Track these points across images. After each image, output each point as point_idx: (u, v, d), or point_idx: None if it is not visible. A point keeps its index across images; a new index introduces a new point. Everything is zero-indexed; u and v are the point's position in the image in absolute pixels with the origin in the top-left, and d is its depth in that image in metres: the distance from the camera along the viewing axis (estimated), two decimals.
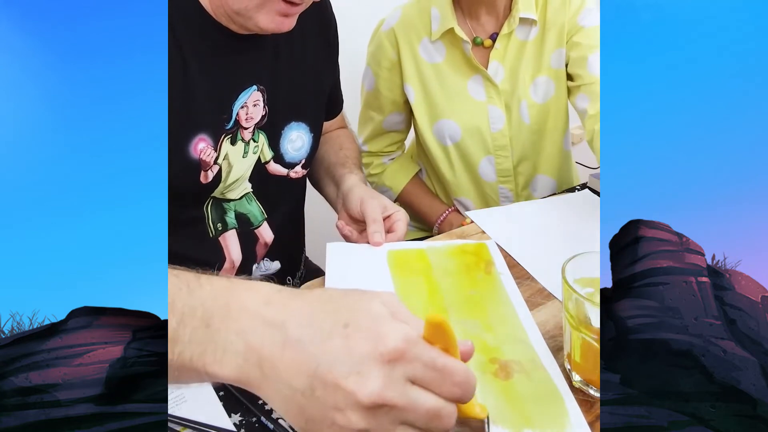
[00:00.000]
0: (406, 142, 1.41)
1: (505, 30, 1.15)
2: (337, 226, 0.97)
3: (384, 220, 0.92)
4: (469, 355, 0.49)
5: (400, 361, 0.42)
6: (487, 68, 1.17)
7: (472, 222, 1.03)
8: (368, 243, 0.90)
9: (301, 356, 0.43)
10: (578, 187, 1.18)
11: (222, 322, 0.45)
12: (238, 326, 0.45)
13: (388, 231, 0.92)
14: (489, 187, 1.25)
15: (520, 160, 1.24)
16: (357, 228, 0.95)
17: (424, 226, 1.38)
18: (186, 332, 0.45)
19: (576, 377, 0.65)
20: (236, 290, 0.47)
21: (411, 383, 0.42)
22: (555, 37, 1.17)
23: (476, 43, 1.17)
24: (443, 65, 1.19)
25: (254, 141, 0.91)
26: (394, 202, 1.31)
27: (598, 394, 0.63)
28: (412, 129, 1.36)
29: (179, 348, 0.45)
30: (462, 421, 0.48)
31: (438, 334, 0.45)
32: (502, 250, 0.91)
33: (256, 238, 0.98)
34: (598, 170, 1.21)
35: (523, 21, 1.15)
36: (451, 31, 1.15)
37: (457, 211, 1.29)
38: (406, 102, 1.25)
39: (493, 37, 1.17)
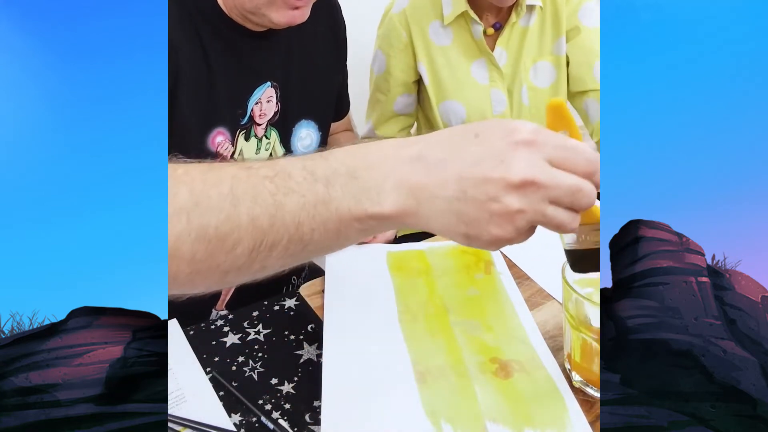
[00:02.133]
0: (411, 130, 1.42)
1: (513, 19, 1.18)
2: None
3: None
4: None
5: (534, 146, 0.45)
6: (493, 52, 1.20)
7: None
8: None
9: (445, 171, 0.46)
10: None
11: (366, 171, 0.48)
12: (382, 170, 0.48)
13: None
14: None
15: None
16: None
17: None
18: (337, 189, 0.48)
19: (576, 377, 0.65)
20: (368, 146, 0.50)
21: (549, 164, 0.46)
22: (554, 24, 1.21)
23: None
24: (450, 48, 1.22)
25: (266, 138, 0.92)
26: None
27: (598, 394, 0.63)
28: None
29: (335, 204, 0.48)
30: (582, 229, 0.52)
31: (559, 120, 0.49)
32: (501, 250, 0.91)
33: None
34: None
35: (528, 9, 1.18)
36: (462, 15, 1.17)
37: None
38: (416, 83, 1.27)
39: (496, 26, 1.19)
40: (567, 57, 1.21)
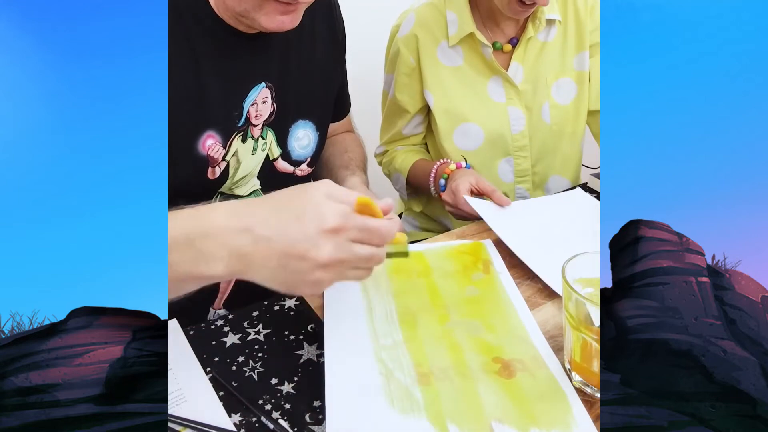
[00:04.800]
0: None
1: (530, 33, 1.15)
2: None
3: None
4: (388, 209, 0.65)
5: (341, 231, 0.58)
6: (507, 70, 1.17)
7: (464, 162, 1.09)
8: None
9: (270, 247, 0.57)
10: (579, 187, 1.18)
11: (202, 240, 0.58)
12: (216, 240, 0.58)
13: None
14: (506, 187, 1.24)
15: (538, 160, 1.23)
16: None
17: (433, 228, 1.38)
18: (177, 255, 0.59)
19: (576, 377, 0.65)
20: (204, 214, 0.60)
21: (351, 242, 0.59)
22: (576, 39, 1.18)
23: (496, 48, 1.17)
24: (463, 68, 1.18)
25: (263, 138, 0.92)
26: (406, 185, 1.29)
27: (598, 394, 0.63)
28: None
29: (174, 267, 0.59)
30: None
31: (365, 209, 0.61)
32: (500, 246, 0.91)
33: None
34: (598, 170, 1.21)
35: (548, 23, 1.16)
36: (470, 35, 1.15)
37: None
38: (426, 106, 1.24)
39: (513, 42, 1.17)
40: (590, 74, 1.18)
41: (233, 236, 0.58)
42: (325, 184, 0.61)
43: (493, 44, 1.16)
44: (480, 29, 1.15)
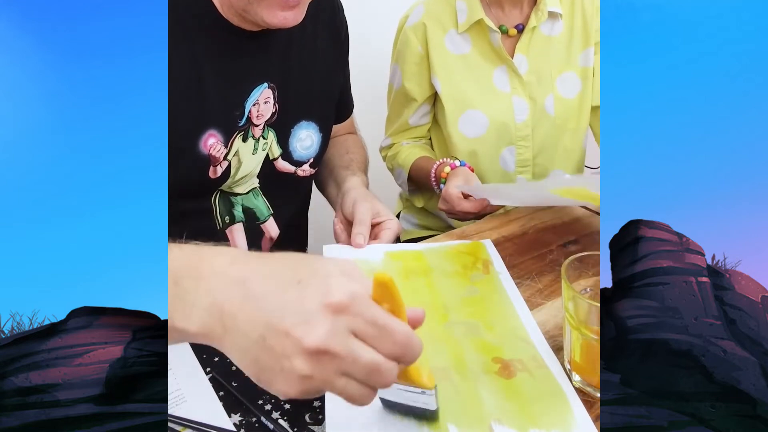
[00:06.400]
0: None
1: (533, 23, 1.17)
2: (333, 224, 0.98)
3: (376, 225, 0.92)
4: (418, 322, 0.50)
5: (345, 314, 0.45)
6: (512, 59, 1.19)
7: (459, 163, 1.09)
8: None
9: (257, 309, 0.46)
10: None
11: (190, 281, 0.48)
12: (205, 285, 0.48)
13: (375, 237, 0.92)
14: (508, 176, 1.26)
15: (540, 152, 1.25)
16: (348, 229, 0.95)
17: (431, 225, 1.38)
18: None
19: (576, 377, 0.65)
20: (204, 253, 0.50)
21: (353, 336, 0.45)
22: (582, 35, 1.20)
23: (502, 31, 1.19)
24: (471, 55, 1.21)
25: (263, 138, 0.92)
26: (408, 181, 1.30)
27: (598, 394, 0.63)
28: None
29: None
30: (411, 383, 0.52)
31: (385, 295, 0.47)
32: (500, 246, 0.91)
33: (261, 233, 0.99)
34: (598, 170, 1.21)
35: (550, 15, 1.17)
36: (479, 21, 1.17)
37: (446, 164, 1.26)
38: (432, 95, 1.26)
39: (519, 28, 1.19)
40: (594, 69, 1.20)
41: (224, 286, 0.48)
42: (345, 260, 0.50)
43: (500, 27, 1.18)
44: (488, 14, 1.17)
